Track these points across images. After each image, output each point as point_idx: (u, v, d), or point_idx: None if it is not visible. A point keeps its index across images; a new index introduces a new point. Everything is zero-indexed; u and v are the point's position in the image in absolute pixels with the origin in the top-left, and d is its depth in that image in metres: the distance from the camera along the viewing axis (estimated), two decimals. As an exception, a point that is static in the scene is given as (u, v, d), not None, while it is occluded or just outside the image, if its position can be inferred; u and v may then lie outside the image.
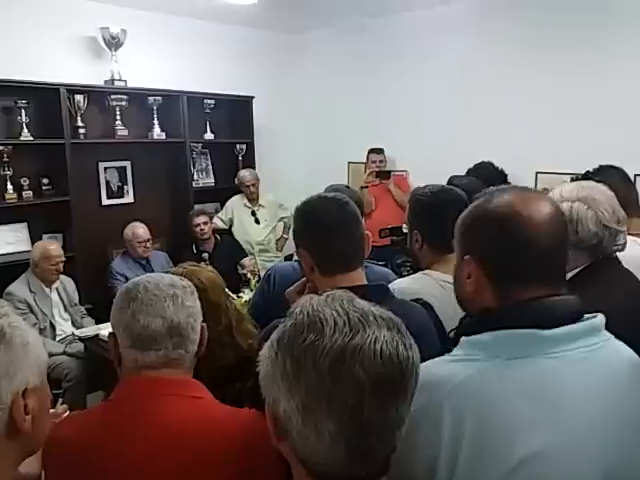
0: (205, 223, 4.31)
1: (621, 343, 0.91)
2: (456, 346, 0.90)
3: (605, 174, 2.11)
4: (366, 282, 1.32)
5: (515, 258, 0.87)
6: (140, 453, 0.98)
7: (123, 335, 1.07)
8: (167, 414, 1.01)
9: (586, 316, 0.89)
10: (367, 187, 4.52)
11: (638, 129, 3.46)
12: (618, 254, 1.45)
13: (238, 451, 0.98)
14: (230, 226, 4.77)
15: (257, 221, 4.72)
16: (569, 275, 1.39)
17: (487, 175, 3.62)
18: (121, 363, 1.10)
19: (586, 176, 2.15)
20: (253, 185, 4.64)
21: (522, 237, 0.86)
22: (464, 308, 0.97)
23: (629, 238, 1.49)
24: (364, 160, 4.81)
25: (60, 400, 1.46)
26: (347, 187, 2.31)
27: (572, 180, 2.09)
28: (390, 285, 1.51)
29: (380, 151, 4.73)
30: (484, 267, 0.89)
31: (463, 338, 0.89)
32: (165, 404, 1.02)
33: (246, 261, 4.55)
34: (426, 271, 1.65)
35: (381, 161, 4.71)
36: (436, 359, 0.89)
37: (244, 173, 4.68)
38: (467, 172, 3.82)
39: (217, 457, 0.98)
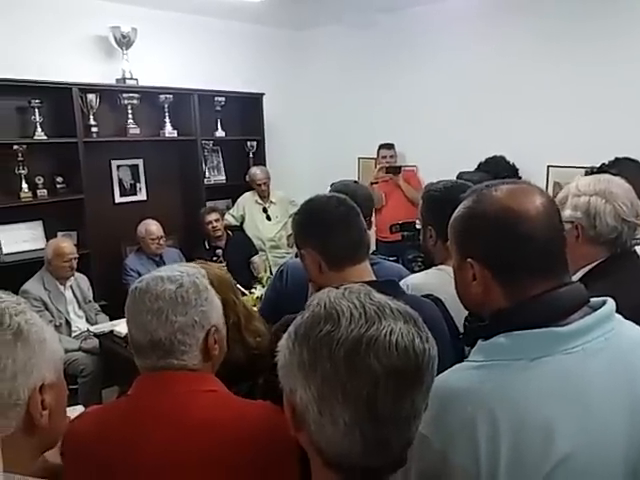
0: (217, 220, 4.33)
1: (627, 323, 0.91)
2: (470, 345, 0.90)
3: (621, 166, 2.07)
4: (374, 278, 1.33)
5: (517, 254, 0.86)
6: (160, 446, 0.99)
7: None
8: (185, 408, 1.02)
9: (594, 300, 0.89)
10: (377, 183, 4.51)
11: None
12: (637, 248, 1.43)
13: (256, 440, 0.99)
14: (241, 223, 4.79)
15: (268, 218, 4.74)
16: (586, 269, 1.37)
17: (498, 170, 3.60)
18: None
19: (601, 169, 2.10)
20: (265, 183, 4.66)
21: (520, 232, 0.86)
22: (472, 310, 0.96)
23: None
24: (374, 155, 4.80)
25: None
26: (355, 182, 2.30)
27: (587, 173, 2.06)
28: (404, 281, 1.51)
29: (390, 146, 4.72)
30: (488, 268, 0.89)
31: (480, 342, 0.88)
32: (182, 398, 1.03)
33: (256, 259, 4.57)
34: (440, 266, 1.65)
35: (391, 156, 4.70)
36: (456, 367, 0.88)
37: (255, 171, 4.69)
38: (478, 166, 3.80)
39: (236, 447, 0.99)
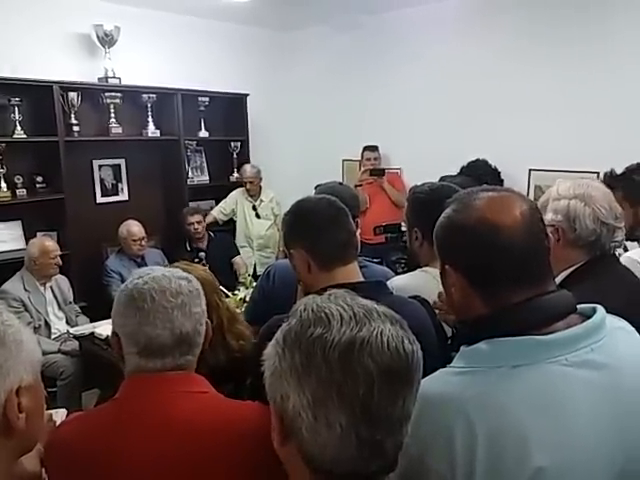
0: (199, 222, 4.32)
1: (621, 334, 0.90)
2: (457, 351, 0.90)
3: None
4: (362, 279, 1.34)
5: (493, 264, 0.86)
6: (150, 451, 0.97)
7: (128, 342, 1.05)
8: (175, 411, 1.01)
9: (581, 307, 0.89)
10: (361, 185, 4.50)
11: (631, 125, 3.46)
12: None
13: (249, 442, 0.98)
14: (230, 219, 4.79)
15: (258, 215, 4.74)
16: (567, 272, 1.39)
17: (480, 173, 3.63)
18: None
19: (623, 173, 2.06)
20: (252, 182, 4.66)
21: (495, 242, 0.86)
22: (457, 316, 0.97)
23: None
24: (359, 157, 4.81)
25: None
26: (340, 184, 2.30)
27: (605, 176, 2.05)
28: (389, 282, 1.51)
29: (374, 148, 4.73)
30: (465, 276, 0.89)
31: (462, 348, 0.88)
32: (172, 401, 1.02)
33: (237, 259, 4.57)
34: (425, 268, 1.65)
35: (375, 159, 4.71)
36: (437, 373, 0.87)
37: (245, 168, 4.71)
38: (460, 170, 3.83)
39: (229, 451, 0.98)
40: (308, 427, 0.66)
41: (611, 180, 2.01)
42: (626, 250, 1.90)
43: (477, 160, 3.89)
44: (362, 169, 4.64)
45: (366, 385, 0.64)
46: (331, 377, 0.64)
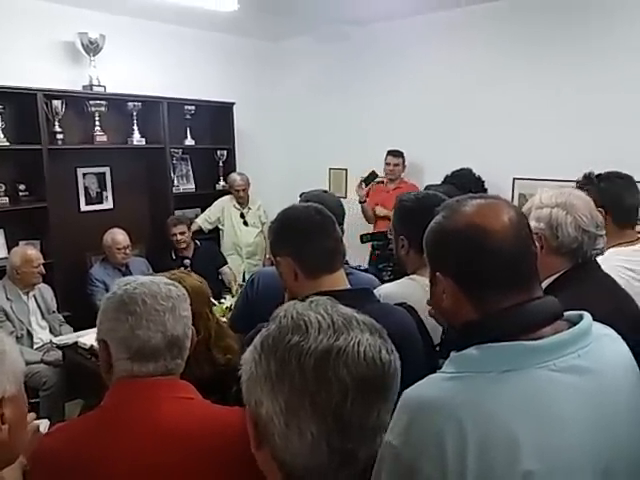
0: (182, 233, 4.29)
1: (607, 340, 0.91)
2: (445, 358, 0.90)
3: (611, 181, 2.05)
4: (349, 286, 1.34)
5: (483, 269, 0.87)
6: (138, 458, 0.96)
7: (118, 347, 1.05)
8: (162, 417, 1.01)
9: (568, 314, 0.90)
10: (365, 201, 4.40)
11: (613, 135, 3.53)
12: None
13: (235, 448, 0.97)
14: (215, 228, 4.77)
15: (246, 223, 4.73)
16: (550, 279, 1.41)
17: (464, 182, 3.67)
18: (111, 369, 1.08)
19: (591, 180, 2.09)
20: (243, 190, 4.67)
21: (486, 248, 0.87)
22: (447, 322, 0.97)
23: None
24: (345, 166, 4.79)
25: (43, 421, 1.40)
26: (325, 192, 2.31)
27: (578, 184, 2.09)
28: (376, 290, 1.52)
29: (398, 154, 4.39)
30: (456, 282, 0.90)
31: (452, 353, 0.89)
32: (159, 407, 1.02)
33: (225, 269, 4.55)
34: (412, 276, 1.67)
35: (396, 165, 4.38)
36: (427, 378, 0.88)
37: (235, 177, 4.69)
38: (445, 179, 3.86)
39: (215, 456, 0.98)
40: (280, 434, 0.66)
41: (583, 182, 2.05)
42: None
43: (462, 169, 3.92)
44: (355, 186, 4.45)
45: (340, 395, 0.64)
46: (304, 386, 0.64)
